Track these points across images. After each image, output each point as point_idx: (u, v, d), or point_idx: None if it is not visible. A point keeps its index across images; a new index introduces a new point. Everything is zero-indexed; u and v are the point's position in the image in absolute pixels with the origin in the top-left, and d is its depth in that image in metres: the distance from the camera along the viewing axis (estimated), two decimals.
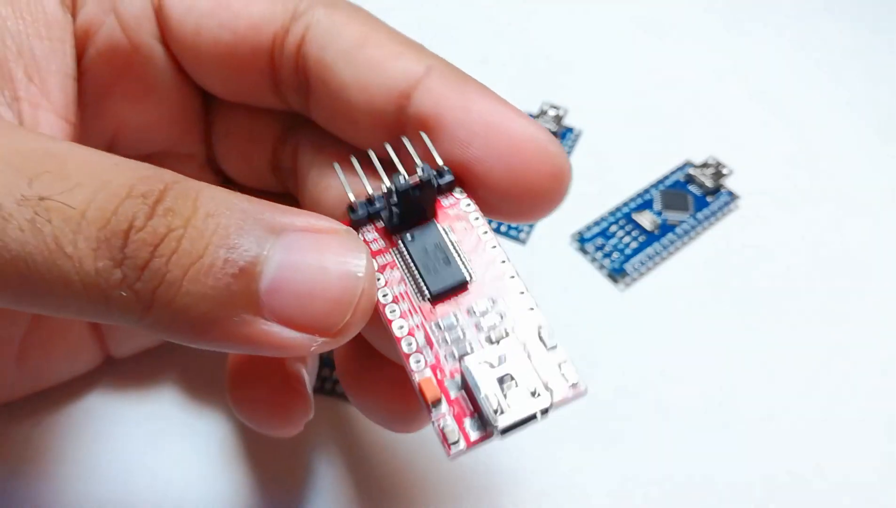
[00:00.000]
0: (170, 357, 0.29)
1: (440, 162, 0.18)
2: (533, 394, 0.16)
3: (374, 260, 0.18)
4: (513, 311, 0.17)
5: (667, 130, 0.38)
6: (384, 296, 0.17)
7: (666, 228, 0.34)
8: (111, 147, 0.23)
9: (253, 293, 0.15)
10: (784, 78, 0.41)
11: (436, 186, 0.18)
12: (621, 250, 0.33)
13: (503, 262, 0.18)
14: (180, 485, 0.26)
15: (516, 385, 0.16)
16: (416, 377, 0.16)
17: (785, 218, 0.35)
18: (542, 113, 0.38)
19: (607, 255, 0.33)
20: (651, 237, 0.33)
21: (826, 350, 0.30)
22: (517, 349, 0.16)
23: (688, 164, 0.36)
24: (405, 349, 0.17)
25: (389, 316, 0.17)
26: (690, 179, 0.36)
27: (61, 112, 0.20)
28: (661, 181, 0.36)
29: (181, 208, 0.15)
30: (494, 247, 0.18)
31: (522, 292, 0.17)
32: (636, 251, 0.33)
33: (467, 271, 0.17)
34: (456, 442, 0.16)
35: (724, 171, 0.35)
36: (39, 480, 0.26)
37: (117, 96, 0.22)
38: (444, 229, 0.18)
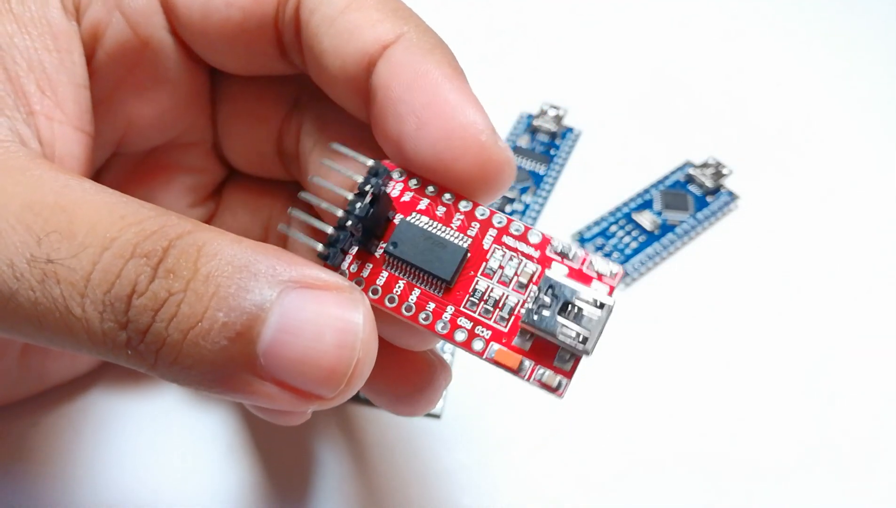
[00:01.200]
0: None
1: (369, 163, 0.18)
2: (596, 304, 0.16)
3: (376, 284, 0.18)
4: (519, 245, 0.18)
5: (667, 130, 0.38)
6: (407, 310, 0.17)
7: (666, 228, 0.34)
8: (121, 144, 0.24)
9: (251, 355, 0.15)
10: (784, 78, 0.41)
11: (383, 193, 0.18)
12: (621, 250, 0.33)
13: (477, 209, 0.18)
14: (183, 483, 0.26)
15: (577, 308, 0.16)
16: (489, 356, 0.17)
17: (784, 218, 0.35)
18: (542, 113, 0.38)
19: (607, 255, 0.33)
20: (651, 237, 0.34)
21: (825, 349, 0.30)
22: (552, 274, 0.17)
23: (688, 164, 0.36)
24: (459, 339, 0.17)
25: (424, 323, 0.17)
26: (690, 179, 0.36)
27: (76, 123, 0.20)
28: (661, 181, 0.36)
29: (182, 268, 0.15)
30: (462, 202, 0.18)
31: (512, 224, 0.18)
32: (636, 251, 0.33)
33: (462, 240, 0.18)
34: (559, 385, 0.17)
35: (724, 171, 0.35)
36: (40, 480, 0.26)
37: (128, 93, 0.22)
38: (414, 219, 0.18)
